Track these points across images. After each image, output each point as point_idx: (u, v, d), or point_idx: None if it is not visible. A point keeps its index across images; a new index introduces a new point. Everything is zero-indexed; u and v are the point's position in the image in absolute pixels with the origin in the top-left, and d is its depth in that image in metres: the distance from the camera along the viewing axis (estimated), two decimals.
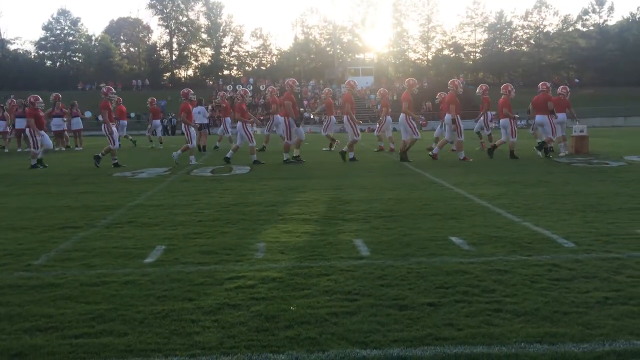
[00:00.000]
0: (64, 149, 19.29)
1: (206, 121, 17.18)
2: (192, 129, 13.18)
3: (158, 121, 19.96)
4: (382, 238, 5.30)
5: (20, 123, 19.80)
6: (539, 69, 67.48)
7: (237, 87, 57.94)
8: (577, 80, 61.29)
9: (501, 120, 13.26)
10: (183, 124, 13.24)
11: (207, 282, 4.02)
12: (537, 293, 3.69)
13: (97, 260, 4.64)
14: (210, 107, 19.20)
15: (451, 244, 5.02)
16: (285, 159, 12.92)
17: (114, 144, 12.70)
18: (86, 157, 16.20)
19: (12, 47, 71.10)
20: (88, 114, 29.97)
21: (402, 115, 12.63)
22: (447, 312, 3.39)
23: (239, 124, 12.90)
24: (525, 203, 7.03)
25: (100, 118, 20.75)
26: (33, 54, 71.11)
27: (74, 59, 72.07)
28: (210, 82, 65.08)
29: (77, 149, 19.77)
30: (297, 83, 13.56)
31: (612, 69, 66.28)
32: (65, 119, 19.77)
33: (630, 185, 8.45)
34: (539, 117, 13.31)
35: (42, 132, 12.95)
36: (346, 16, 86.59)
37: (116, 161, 12.67)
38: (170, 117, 42.04)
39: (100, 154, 12.70)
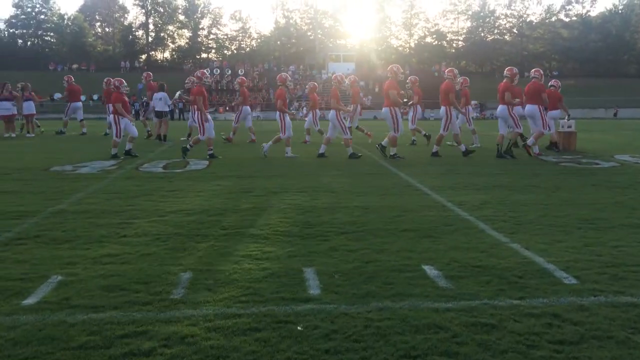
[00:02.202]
0: (13, 135, 17.86)
1: (167, 109, 15.85)
2: (288, 117, 12.11)
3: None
4: (340, 266, 4.27)
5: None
6: (521, 59, 66.89)
7: (214, 70, 56.51)
8: (555, 73, 60.53)
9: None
10: (278, 112, 11.99)
11: (89, 343, 2.95)
12: None
13: None
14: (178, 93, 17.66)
15: (424, 278, 4.00)
16: (392, 153, 11.67)
17: (204, 134, 11.66)
18: (34, 146, 14.92)
19: None
20: (57, 96, 28.36)
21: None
22: None
23: (332, 112, 11.71)
24: (513, 216, 6.05)
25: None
26: (4, 32, 68.45)
27: (46, 38, 69.57)
28: (188, 65, 63.22)
29: (27, 135, 18.39)
30: (402, 70, 12.31)
31: (594, 60, 66.09)
32: (14, 103, 18.29)
33: (627, 192, 7.54)
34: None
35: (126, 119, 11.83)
36: (328, 0, 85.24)
37: (211, 152, 11.72)
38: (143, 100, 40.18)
39: (188, 146, 11.67)
